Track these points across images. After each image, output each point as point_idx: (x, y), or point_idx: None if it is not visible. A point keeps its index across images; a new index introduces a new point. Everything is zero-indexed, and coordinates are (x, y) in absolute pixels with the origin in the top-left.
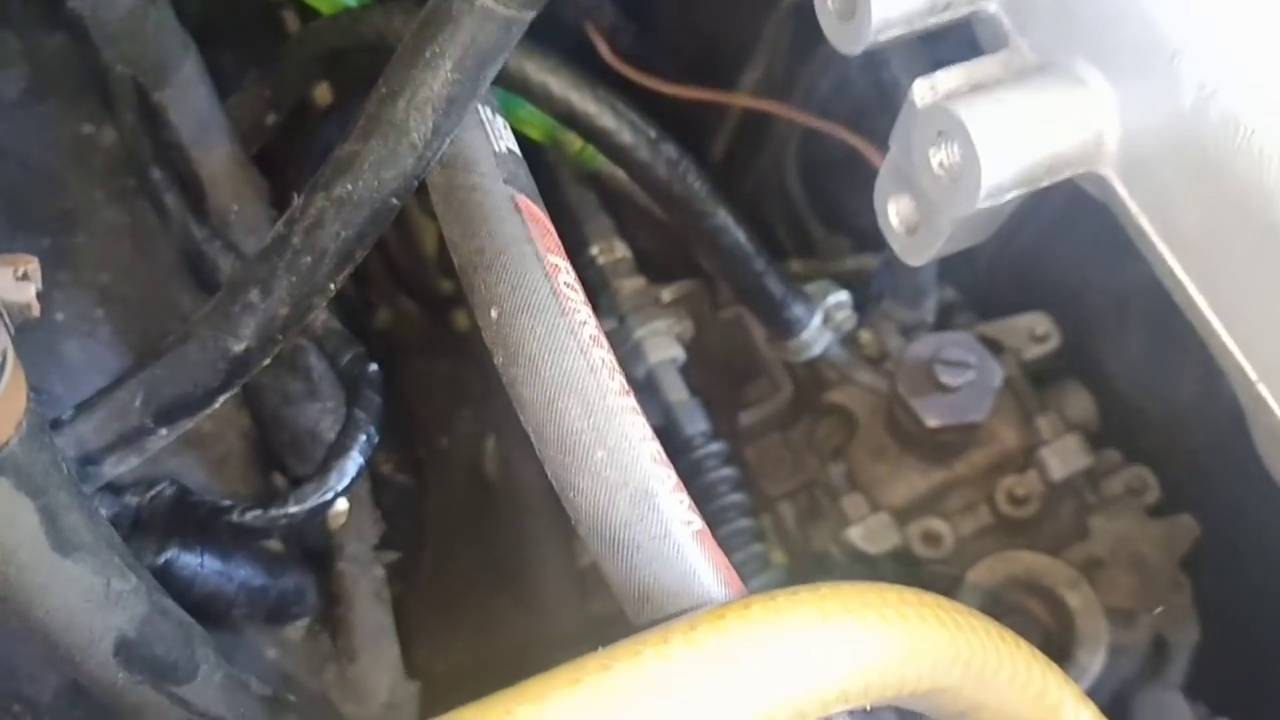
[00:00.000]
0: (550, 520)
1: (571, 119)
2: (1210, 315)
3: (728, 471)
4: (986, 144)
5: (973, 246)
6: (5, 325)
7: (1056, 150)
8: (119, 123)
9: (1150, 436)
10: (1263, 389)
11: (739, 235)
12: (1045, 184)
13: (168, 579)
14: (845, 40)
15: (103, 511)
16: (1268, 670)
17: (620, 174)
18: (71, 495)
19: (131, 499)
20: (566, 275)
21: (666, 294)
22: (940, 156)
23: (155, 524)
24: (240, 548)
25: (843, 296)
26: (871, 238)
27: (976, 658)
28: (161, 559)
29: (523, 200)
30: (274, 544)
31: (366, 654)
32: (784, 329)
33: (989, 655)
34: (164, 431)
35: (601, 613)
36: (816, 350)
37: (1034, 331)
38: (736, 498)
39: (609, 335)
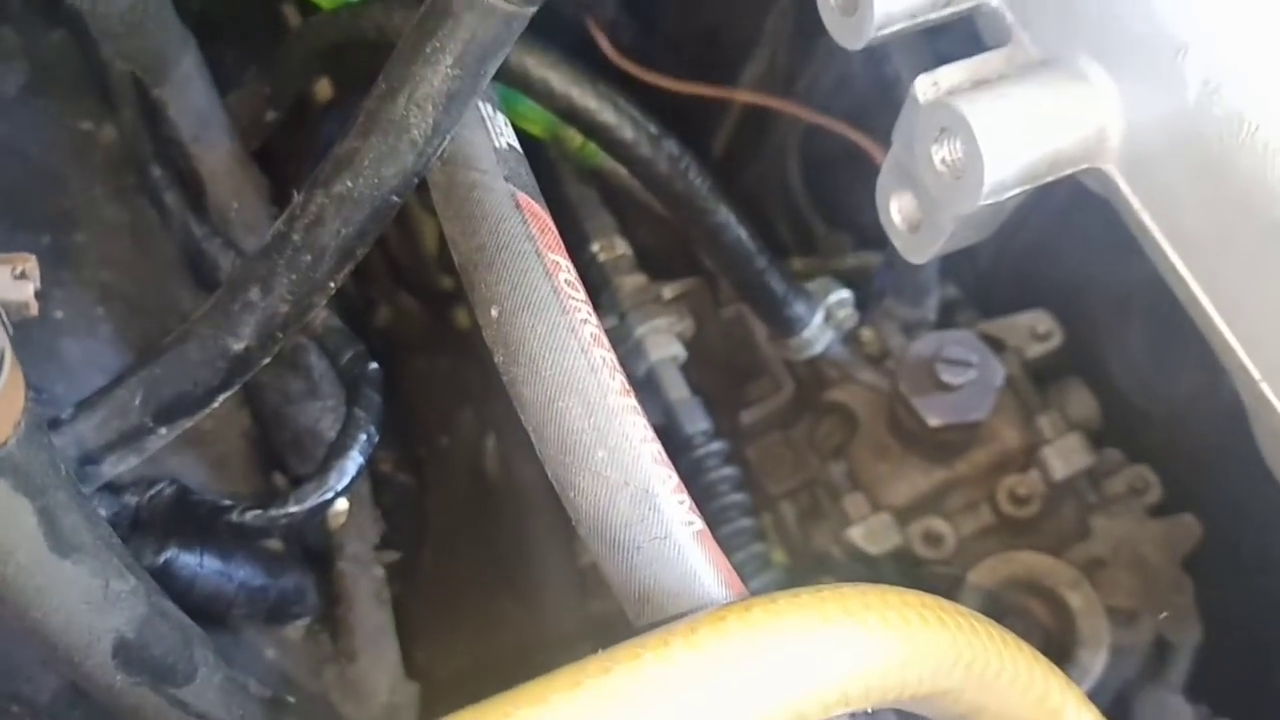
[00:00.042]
0: (551, 519)
1: (572, 115)
2: (1213, 313)
3: (728, 471)
4: (989, 140)
5: (974, 244)
6: (3, 324)
7: (1059, 146)
8: (118, 119)
9: (1152, 435)
10: (1266, 388)
11: (740, 232)
12: (1048, 180)
13: (167, 579)
14: (847, 35)
15: (102, 511)
16: (1270, 671)
17: (621, 170)
18: (70, 496)
19: (131, 498)
20: (567, 273)
21: (667, 291)
22: (943, 153)
23: (155, 523)
24: (240, 547)
25: (844, 294)
26: (873, 235)
27: (978, 660)
28: (161, 559)
29: (523, 197)
30: (274, 544)
31: (366, 654)
32: (785, 327)
33: (990, 658)
34: (164, 431)
35: (602, 612)
36: (818, 348)
37: (1036, 330)
38: (737, 497)
39: (609, 333)
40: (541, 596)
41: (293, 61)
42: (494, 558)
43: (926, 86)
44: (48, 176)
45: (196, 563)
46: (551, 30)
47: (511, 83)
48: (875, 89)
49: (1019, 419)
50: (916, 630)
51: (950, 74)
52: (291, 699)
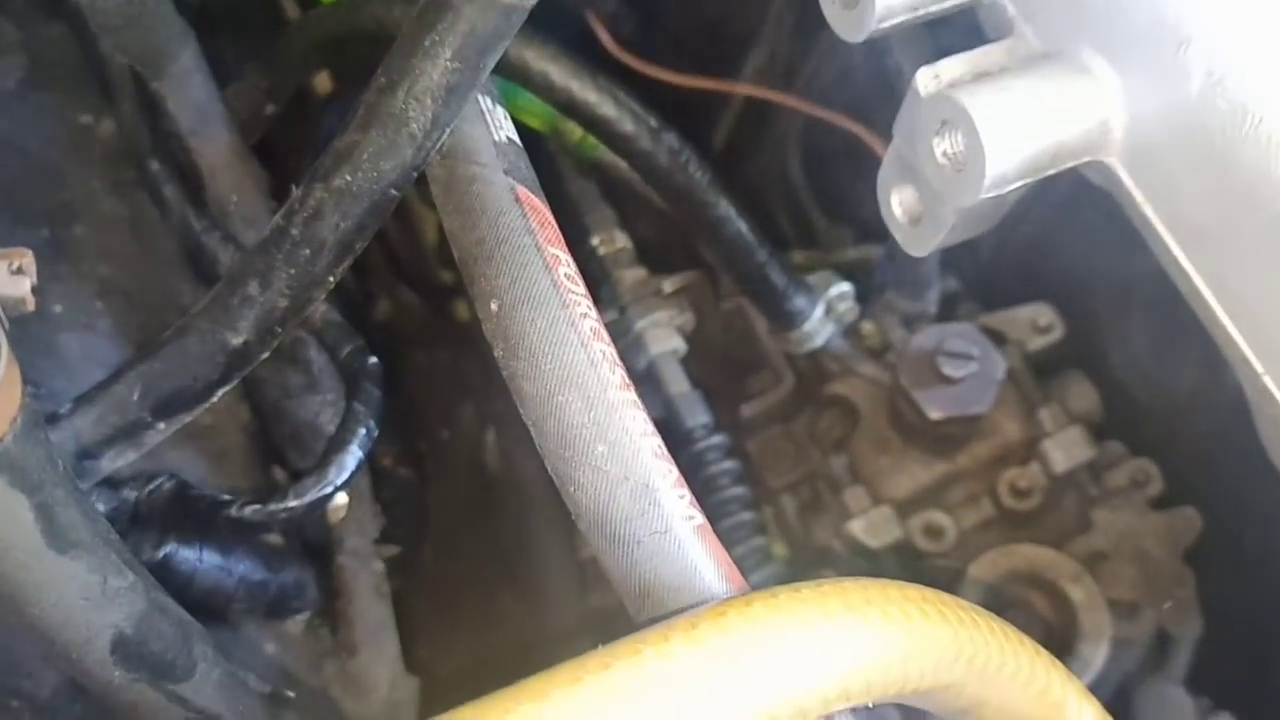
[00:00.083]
0: (551, 513)
1: (572, 108)
2: (1216, 306)
3: (729, 464)
4: (991, 133)
5: (975, 236)
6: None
7: (1062, 139)
8: (117, 113)
9: (1154, 428)
10: (1269, 381)
11: (741, 226)
12: (1050, 173)
13: (167, 573)
14: (848, 28)
15: (101, 505)
16: (1271, 664)
17: (621, 163)
18: (67, 492)
19: (130, 493)
20: (567, 267)
21: (668, 285)
22: (944, 146)
23: (154, 518)
24: (240, 542)
25: (845, 288)
26: (874, 227)
27: (979, 655)
28: (160, 553)
29: (523, 191)
30: (274, 538)
31: (367, 649)
32: (786, 320)
33: (992, 652)
34: (162, 425)
35: (603, 605)
36: (818, 342)
37: (1037, 322)
38: (738, 491)
39: (610, 327)
40: (542, 590)
41: (292, 55)
42: (494, 551)
43: (928, 79)
44: (46, 170)
45: (196, 557)
46: (551, 23)
47: (511, 76)
48: (876, 82)
49: (1020, 412)
50: (918, 625)
51: (952, 66)
52: (291, 693)
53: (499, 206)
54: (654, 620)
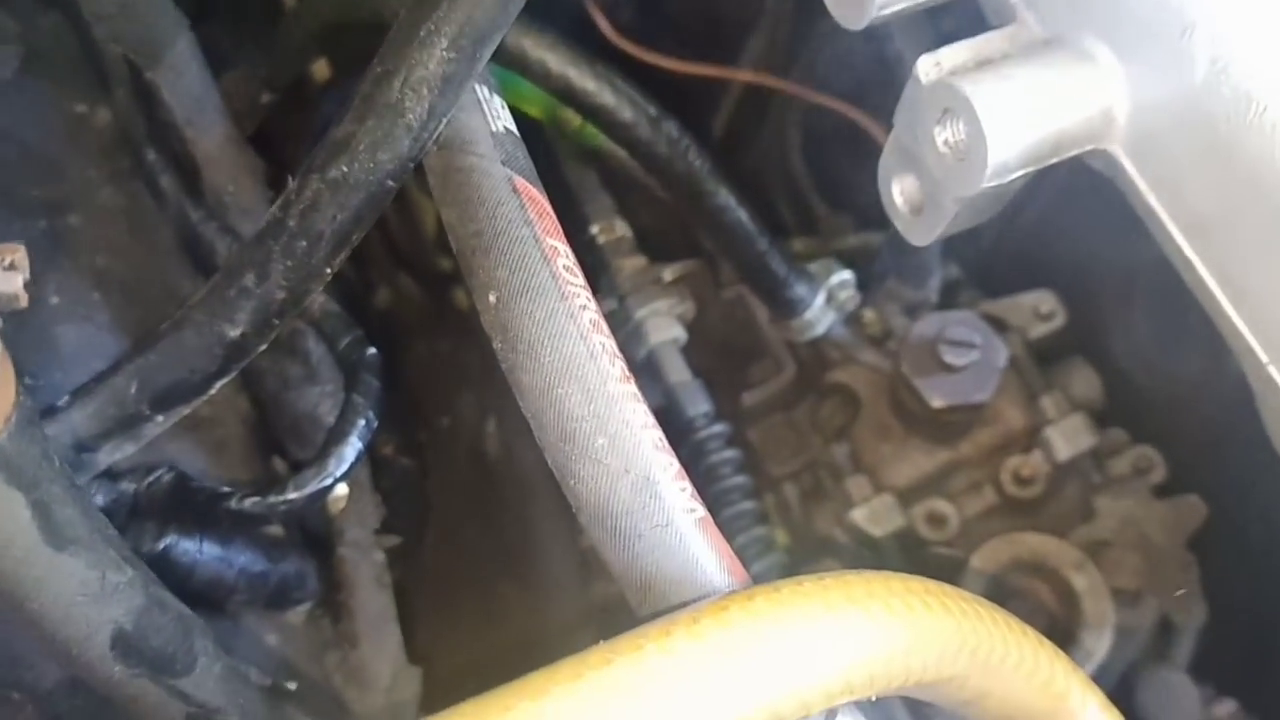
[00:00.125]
0: (553, 501)
1: (570, 96)
2: (1220, 296)
3: (730, 453)
4: (993, 121)
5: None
6: None
7: (1064, 127)
8: (113, 102)
9: (1156, 415)
10: (1273, 371)
11: (741, 214)
12: (1052, 161)
13: (167, 566)
14: (848, 14)
15: (100, 498)
16: (1275, 651)
17: (621, 152)
18: (65, 489)
19: (129, 485)
20: (565, 259)
21: (668, 273)
22: (946, 134)
23: (153, 510)
24: (240, 533)
25: (846, 275)
26: (875, 215)
27: (982, 646)
28: (160, 545)
29: (521, 182)
30: (274, 529)
31: (368, 639)
32: (787, 309)
33: (995, 643)
34: (160, 418)
35: (604, 594)
36: (820, 330)
37: (1039, 310)
38: (739, 480)
39: (609, 316)
40: (543, 579)
41: (288, 43)
42: (495, 540)
43: (929, 67)
44: (42, 160)
45: (196, 549)
46: (549, 10)
47: (509, 64)
48: (877, 69)
49: (1022, 399)
50: (920, 617)
51: (953, 54)
52: (292, 685)
53: (497, 197)
54: (656, 614)
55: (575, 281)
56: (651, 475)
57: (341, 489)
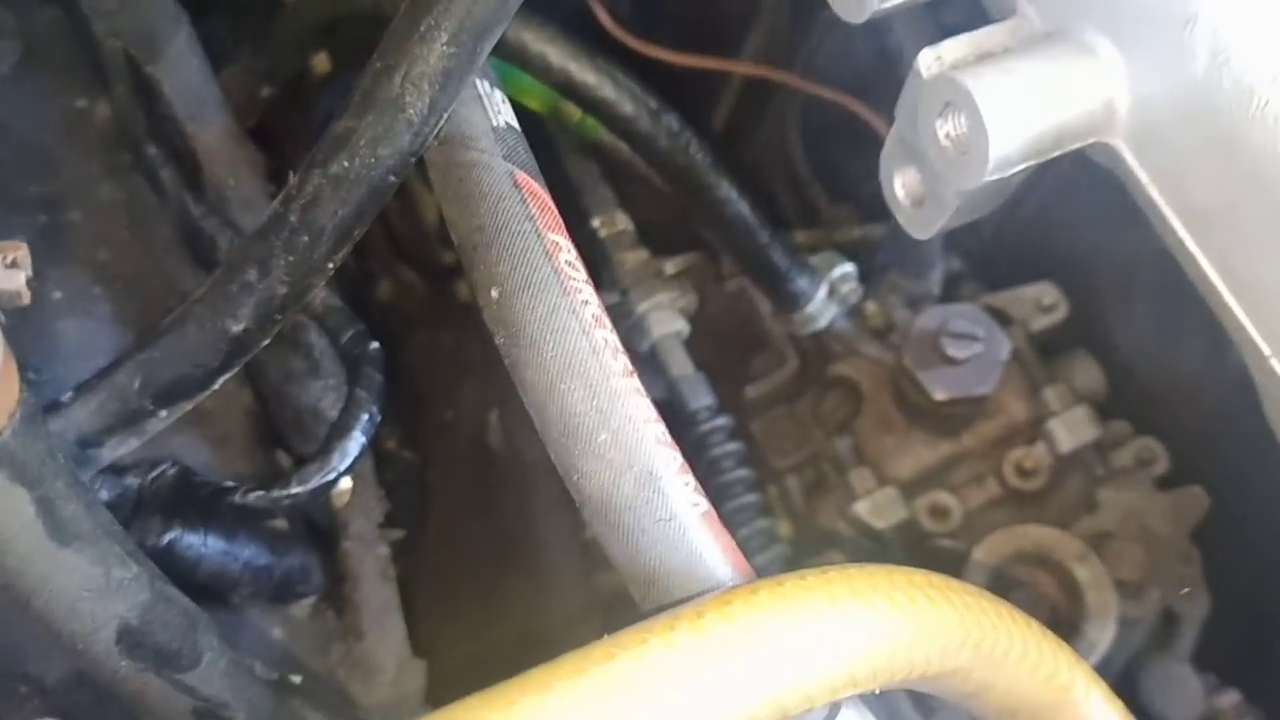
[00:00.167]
0: (556, 492)
1: (571, 90)
2: (1222, 288)
3: (733, 446)
4: (994, 115)
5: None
6: None
7: (1066, 120)
8: (112, 97)
9: (1159, 407)
10: (1275, 363)
11: (742, 207)
12: (1054, 155)
13: (171, 560)
14: (849, 8)
15: (104, 493)
16: (1278, 641)
17: (622, 145)
18: (69, 485)
19: (133, 480)
20: (567, 253)
21: (670, 267)
22: (947, 128)
23: (158, 505)
24: (244, 527)
25: (848, 268)
26: (877, 207)
27: (986, 639)
28: (165, 540)
29: (522, 177)
30: (278, 523)
31: (373, 632)
32: (789, 301)
33: (999, 636)
34: (163, 413)
35: (608, 585)
36: (822, 323)
37: (1041, 302)
38: (742, 473)
39: (611, 309)
40: (547, 570)
41: (288, 37)
42: (499, 532)
43: (930, 60)
44: (42, 156)
45: (200, 543)
46: (549, 4)
47: (509, 58)
48: (878, 63)
49: (1025, 392)
50: (924, 610)
51: (954, 47)
52: (298, 679)
53: (498, 192)
54: (660, 608)
55: (577, 276)
56: (655, 470)
57: (345, 483)
